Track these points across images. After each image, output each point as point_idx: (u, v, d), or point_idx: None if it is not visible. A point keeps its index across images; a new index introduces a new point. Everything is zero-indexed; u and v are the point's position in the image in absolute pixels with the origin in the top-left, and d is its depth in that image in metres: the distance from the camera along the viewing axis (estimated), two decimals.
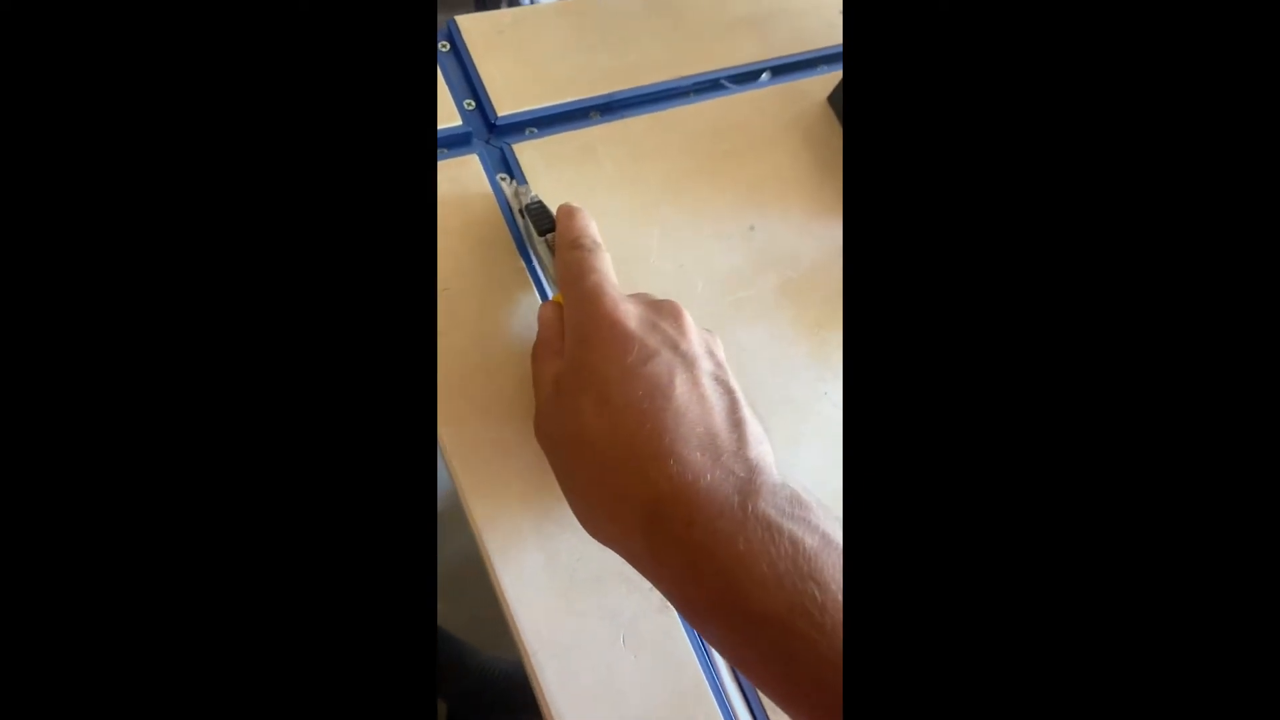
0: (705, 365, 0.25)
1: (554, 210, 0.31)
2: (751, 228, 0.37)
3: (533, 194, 0.33)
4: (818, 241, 0.37)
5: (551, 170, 0.36)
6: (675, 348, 0.25)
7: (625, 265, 0.35)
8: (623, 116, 0.38)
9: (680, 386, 0.24)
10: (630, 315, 0.26)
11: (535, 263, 0.33)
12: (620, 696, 0.27)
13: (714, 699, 0.28)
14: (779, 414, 0.33)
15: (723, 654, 0.23)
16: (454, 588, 0.79)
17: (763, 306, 0.35)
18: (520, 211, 0.33)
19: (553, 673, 0.27)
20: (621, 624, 0.28)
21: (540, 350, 0.28)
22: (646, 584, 0.29)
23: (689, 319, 0.27)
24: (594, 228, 0.29)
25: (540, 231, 0.31)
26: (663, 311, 0.27)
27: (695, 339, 0.26)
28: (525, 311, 0.32)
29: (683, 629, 0.29)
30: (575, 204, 0.31)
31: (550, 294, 0.33)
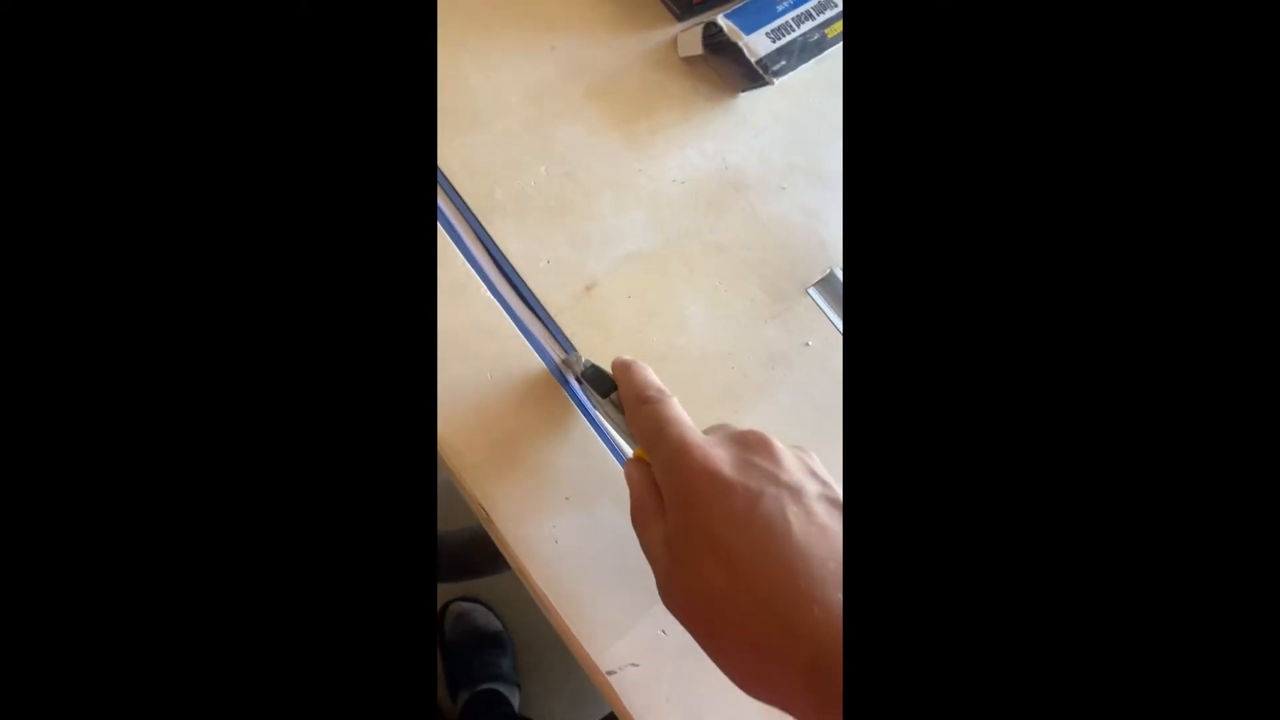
0: (811, 488, 0.24)
1: (608, 369, 0.32)
2: (553, 47, 0.41)
3: (584, 359, 0.33)
4: (613, 52, 0.42)
5: None
6: (777, 481, 0.24)
7: (442, 87, 0.39)
8: None
9: (796, 521, 0.23)
10: (723, 460, 0.25)
11: (604, 423, 0.34)
12: (497, 419, 0.33)
13: (572, 402, 0.34)
14: (604, 193, 0.39)
15: None
16: None
17: (574, 108, 0.40)
18: (577, 379, 0.33)
19: (440, 414, 0.32)
20: (486, 363, 0.33)
21: (639, 515, 0.27)
22: (501, 334, 0.34)
23: (778, 444, 0.26)
24: (654, 376, 0.30)
25: (603, 393, 0.32)
26: (751, 445, 0.26)
27: (792, 464, 0.25)
28: None
29: (543, 364, 0.34)
30: (626, 356, 0.31)
31: (623, 450, 0.34)
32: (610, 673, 0.30)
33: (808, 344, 0.39)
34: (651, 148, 0.40)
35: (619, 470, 0.33)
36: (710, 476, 0.24)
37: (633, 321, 0.36)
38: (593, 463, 0.33)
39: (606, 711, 0.55)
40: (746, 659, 0.23)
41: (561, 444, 0.33)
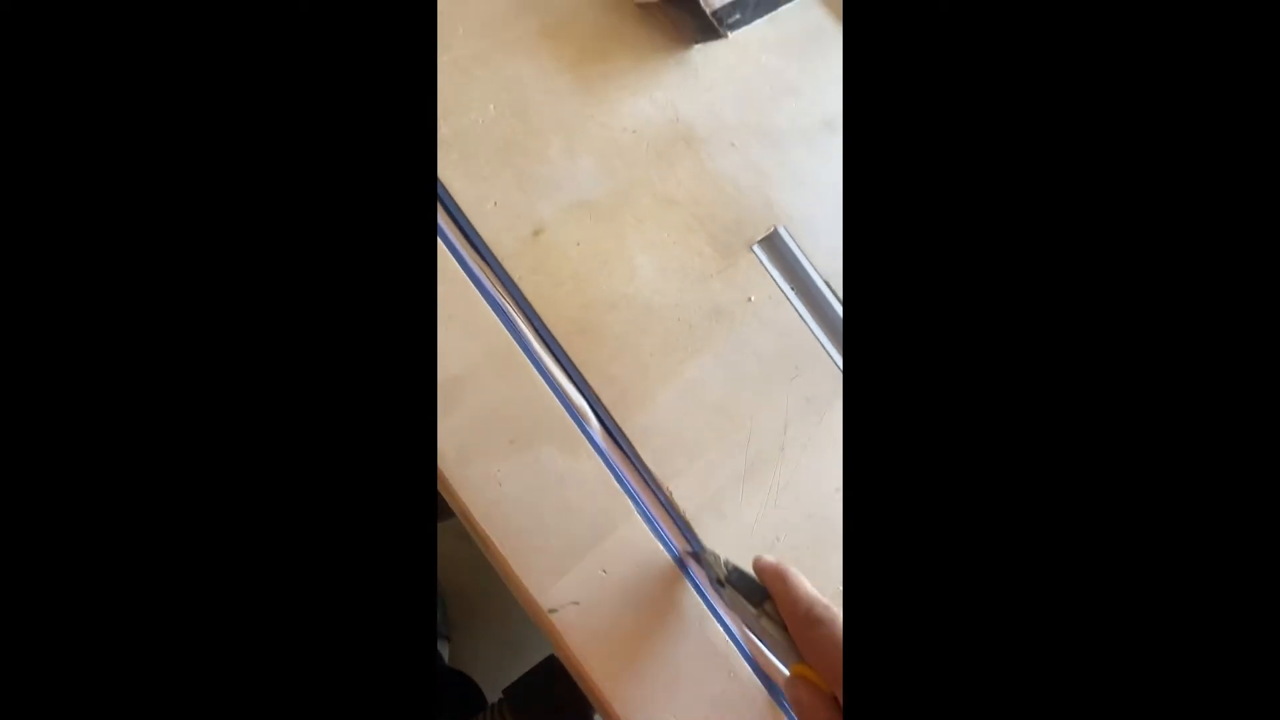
0: None
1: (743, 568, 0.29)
2: None
3: (724, 559, 0.29)
4: None
5: None
6: None
7: None
8: None
9: None
10: None
11: (754, 635, 0.31)
12: (441, 361, 0.32)
13: (525, 359, 0.33)
14: (554, 137, 0.38)
15: None
16: None
17: (525, 46, 0.39)
18: (719, 582, 0.29)
19: None
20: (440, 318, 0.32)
21: None
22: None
23: None
24: (811, 586, 0.27)
25: (754, 602, 0.28)
26: None
27: None
28: None
29: (482, 303, 0.33)
30: (768, 557, 0.28)
31: (773, 658, 0.32)
32: (552, 611, 0.31)
33: (750, 299, 0.40)
34: (604, 93, 0.40)
35: (561, 413, 0.33)
36: None
37: (581, 269, 0.36)
38: (536, 406, 0.33)
39: (537, 659, 0.56)
40: None
41: (504, 384, 0.33)
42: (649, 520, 0.33)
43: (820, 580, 0.36)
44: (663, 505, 0.34)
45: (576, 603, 0.31)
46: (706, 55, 0.43)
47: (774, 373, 0.39)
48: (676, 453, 0.35)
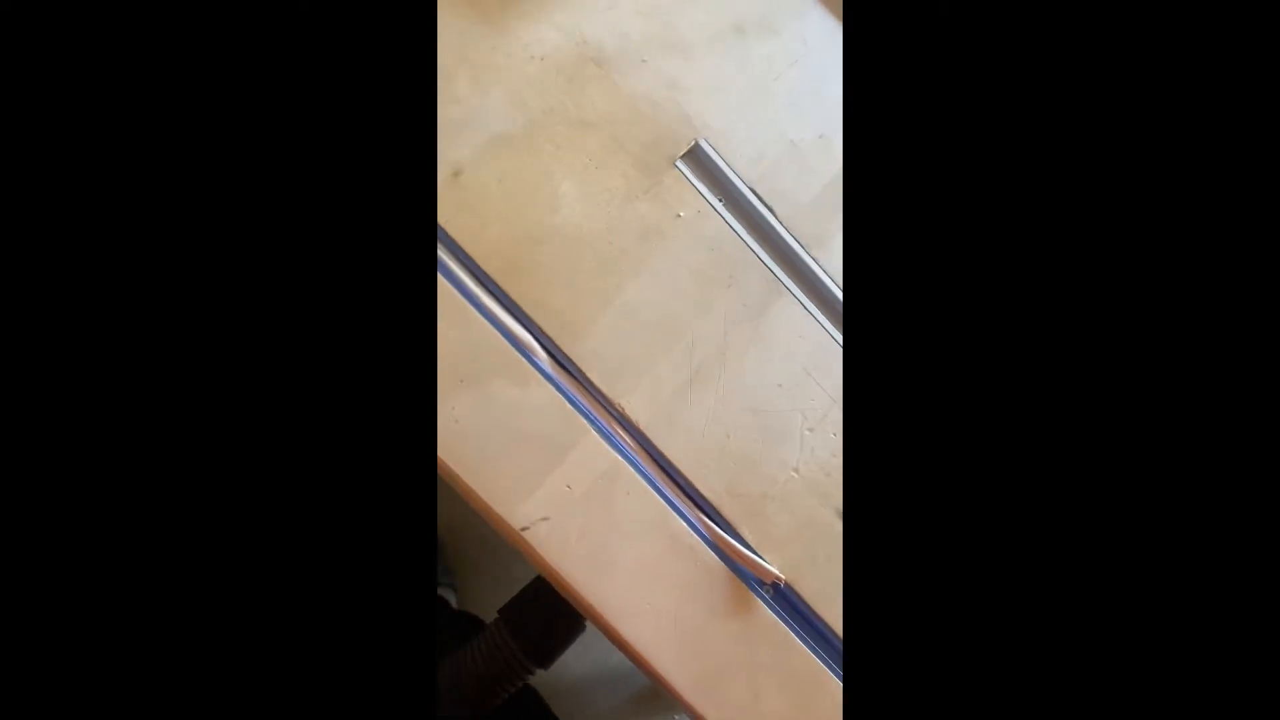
0: None
1: None
2: None
3: None
4: None
5: None
6: None
7: None
8: None
9: None
10: None
11: None
12: None
13: (464, 301, 0.34)
14: (460, 76, 0.37)
15: None
16: None
17: None
18: None
19: None
20: None
21: None
22: None
23: None
24: None
25: None
26: None
27: None
28: None
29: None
30: None
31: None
32: (524, 529, 0.33)
33: (679, 216, 0.41)
34: (504, 23, 0.39)
35: (507, 348, 0.35)
36: None
37: (506, 205, 0.37)
38: (480, 345, 0.34)
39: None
40: None
41: (444, 326, 0.34)
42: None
43: (773, 468, 0.39)
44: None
45: (546, 518, 0.34)
46: None
47: (709, 284, 0.41)
48: (624, 371, 0.37)
